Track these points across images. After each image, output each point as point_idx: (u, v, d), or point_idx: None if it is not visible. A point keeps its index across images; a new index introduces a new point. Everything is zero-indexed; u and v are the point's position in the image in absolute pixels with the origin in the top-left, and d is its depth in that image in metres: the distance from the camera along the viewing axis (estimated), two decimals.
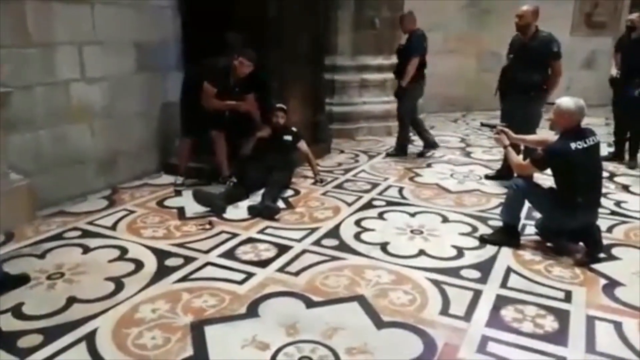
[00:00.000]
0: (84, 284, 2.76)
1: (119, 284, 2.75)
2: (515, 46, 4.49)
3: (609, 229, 3.56)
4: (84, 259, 3.05)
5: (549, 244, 3.30)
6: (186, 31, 4.82)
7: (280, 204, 3.98)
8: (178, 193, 4.26)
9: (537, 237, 3.38)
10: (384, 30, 6.71)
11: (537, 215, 3.44)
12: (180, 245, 3.25)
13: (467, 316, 2.47)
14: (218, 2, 4.51)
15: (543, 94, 4.37)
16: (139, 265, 2.97)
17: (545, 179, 3.64)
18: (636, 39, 5.27)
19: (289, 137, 4.48)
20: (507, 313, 2.51)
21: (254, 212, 3.75)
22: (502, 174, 4.69)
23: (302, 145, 4.56)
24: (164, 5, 4.67)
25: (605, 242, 3.20)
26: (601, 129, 6.86)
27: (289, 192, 4.29)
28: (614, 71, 5.64)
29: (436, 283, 2.79)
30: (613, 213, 3.90)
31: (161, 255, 3.10)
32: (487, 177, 4.81)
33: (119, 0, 4.22)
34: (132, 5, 4.33)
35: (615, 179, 4.81)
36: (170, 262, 3.01)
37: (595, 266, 3.00)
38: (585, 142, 3.02)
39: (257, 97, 4.52)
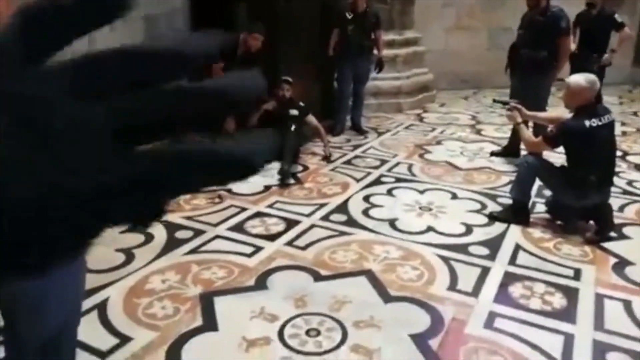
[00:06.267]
0: (95, 254, 2.77)
1: (129, 255, 2.78)
2: (525, 21, 4.41)
3: (621, 208, 3.52)
4: None
5: (559, 222, 3.28)
6: (194, 3, 4.76)
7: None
8: None
9: (547, 215, 3.36)
10: (395, 5, 6.60)
11: (548, 193, 3.41)
12: (190, 218, 3.27)
13: (475, 292, 2.48)
14: None
15: (552, 70, 4.30)
16: (149, 237, 2.99)
17: (558, 157, 3.60)
18: (596, 15, 5.41)
19: (295, 112, 4.44)
20: (515, 290, 2.51)
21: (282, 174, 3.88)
22: (509, 151, 4.65)
23: (311, 119, 4.51)
24: None
25: (616, 221, 3.17)
26: (615, 107, 6.73)
27: (298, 168, 4.28)
28: (573, 47, 5.65)
29: (444, 259, 2.79)
30: (625, 192, 3.85)
31: (171, 227, 3.11)
32: (493, 153, 4.76)
33: None
34: None
35: (628, 157, 4.75)
36: (180, 234, 3.04)
37: (606, 245, 2.99)
38: (600, 120, 2.97)
39: (264, 71, 4.46)
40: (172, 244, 2.91)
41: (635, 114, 6.73)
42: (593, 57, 5.35)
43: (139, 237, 2.98)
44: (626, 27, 5.61)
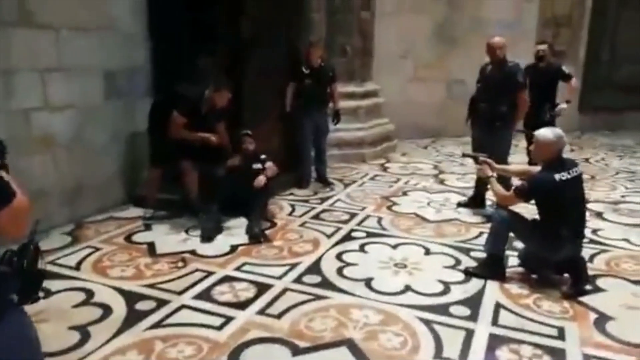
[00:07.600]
0: (45, 333, 2.45)
1: (84, 333, 2.51)
2: (484, 75, 4.53)
3: (590, 259, 3.53)
4: (45, 305, 2.74)
5: (533, 276, 3.25)
6: (157, 57, 4.65)
7: None
8: (147, 227, 4.03)
9: (521, 269, 3.33)
10: (355, 58, 6.73)
11: (520, 245, 3.40)
12: (152, 285, 3.03)
13: (462, 359, 2.36)
14: (189, 27, 4.39)
15: (511, 122, 4.41)
16: (106, 310, 2.73)
17: (524, 206, 3.60)
18: (544, 67, 5.66)
19: (258, 165, 4.32)
20: (503, 354, 2.41)
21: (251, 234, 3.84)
22: (475, 201, 4.69)
23: (269, 166, 4.34)
24: (134, 31, 4.48)
25: (589, 272, 3.17)
26: (567, 155, 6.98)
27: (266, 224, 4.12)
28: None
29: (426, 322, 2.66)
30: (591, 241, 3.89)
31: (131, 298, 2.87)
32: (460, 204, 4.77)
33: (85, 26, 4.02)
34: (99, 30, 4.14)
35: (589, 205, 4.85)
36: (141, 305, 2.79)
37: (584, 299, 2.96)
38: (569, 173, 3.01)
39: (228, 126, 4.34)
40: (132, 318, 2.65)
41: (587, 160, 7.01)
42: (545, 108, 5.57)
43: (95, 311, 2.72)
44: (573, 77, 5.88)
